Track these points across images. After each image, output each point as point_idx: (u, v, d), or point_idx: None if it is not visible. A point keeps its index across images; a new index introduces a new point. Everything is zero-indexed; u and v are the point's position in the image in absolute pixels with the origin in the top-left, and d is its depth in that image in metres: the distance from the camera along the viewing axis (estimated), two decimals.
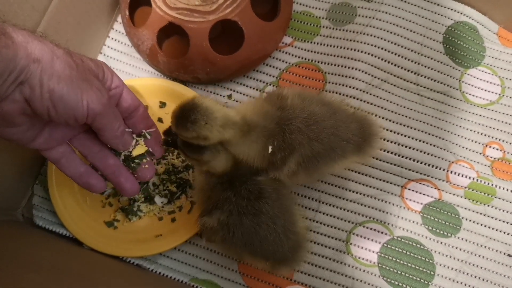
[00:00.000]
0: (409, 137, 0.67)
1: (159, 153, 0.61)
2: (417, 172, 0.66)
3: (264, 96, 0.58)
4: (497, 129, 0.69)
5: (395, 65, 0.70)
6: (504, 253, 0.64)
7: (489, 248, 0.64)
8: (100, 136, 0.54)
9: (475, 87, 0.72)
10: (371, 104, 0.68)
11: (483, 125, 0.69)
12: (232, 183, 0.54)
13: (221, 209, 0.54)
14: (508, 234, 0.64)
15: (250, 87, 0.72)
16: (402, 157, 0.66)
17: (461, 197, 0.66)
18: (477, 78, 0.72)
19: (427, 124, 0.68)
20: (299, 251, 0.57)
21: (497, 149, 0.68)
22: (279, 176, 0.56)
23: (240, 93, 0.72)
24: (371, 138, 0.58)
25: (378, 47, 0.70)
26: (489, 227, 0.65)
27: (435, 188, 0.66)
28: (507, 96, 0.71)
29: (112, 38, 0.75)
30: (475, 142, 0.68)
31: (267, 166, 0.55)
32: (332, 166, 0.57)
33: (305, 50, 0.73)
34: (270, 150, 0.53)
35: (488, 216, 0.65)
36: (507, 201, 0.65)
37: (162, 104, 0.69)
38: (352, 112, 0.59)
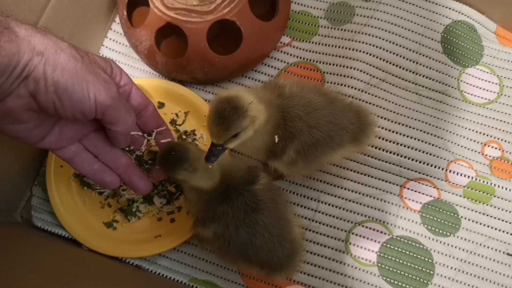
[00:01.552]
0: (408, 136, 0.67)
1: None
2: (416, 171, 0.66)
3: (260, 85, 0.57)
4: (496, 128, 0.69)
5: (393, 64, 0.70)
6: (504, 252, 0.64)
7: (488, 247, 0.64)
8: (112, 132, 0.52)
9: (474, 86, 0.72)
10: (370, 103, 0.68)
11: (481, 124, 0.69)
12: (228, 195, 0.53)
13: (218, 222, 0.54)
14: (507, 233, 0.64)
15: (249, 87, 0.72)
16: (401, 156, 0.66)
17: (460, 196, 0.66)
18: (476, 77, 0.72)
19: (426, 123, 0.68)
20: (294, 258, 0.56)
21: (495, 148, 0.68)
22: (278, 166, 0.56)
23: None
24: (367, 128, 0.59)
25: (377, 47, 0.70)
26: (488, 226, 0.65)
27: (434, 188, 0.66)
28: (505, 95, 0.71)
29: (110, 39, 0.75)
30: (474, 141, 0.68)
31: (267, 156, 0.55)
32: (330, 155, 0.57)
33: (303, 49, 0.73)
34: (276, 139, 0.53)
35: (487, 215, 0.65)
36: (506, 200, 0.65)
37: (161, 105, 0.69)
38: (349, 103, 0.60)
